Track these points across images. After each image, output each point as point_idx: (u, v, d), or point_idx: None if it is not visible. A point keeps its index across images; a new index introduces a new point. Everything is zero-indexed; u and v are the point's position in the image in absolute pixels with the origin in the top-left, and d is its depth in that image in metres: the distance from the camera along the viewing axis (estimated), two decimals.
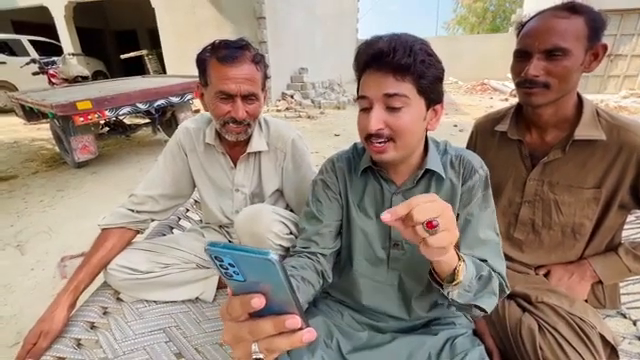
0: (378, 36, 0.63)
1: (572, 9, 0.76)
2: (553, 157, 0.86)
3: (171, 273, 1.05)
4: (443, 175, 0.70)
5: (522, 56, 0.82)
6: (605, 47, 0.78)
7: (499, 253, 0.68)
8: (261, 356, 0.33)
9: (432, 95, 0.63)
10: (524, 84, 0.81)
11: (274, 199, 1.14)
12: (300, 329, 0.33)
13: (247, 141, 1.04)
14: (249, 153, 1.05)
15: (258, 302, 0.31)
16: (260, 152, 1.07)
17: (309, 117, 6.03)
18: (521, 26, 0.84)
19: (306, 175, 1.08)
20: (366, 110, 0.64)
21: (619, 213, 0.86)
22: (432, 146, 0.73)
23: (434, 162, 0.70)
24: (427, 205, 0.43)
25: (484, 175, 0.71)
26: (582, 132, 0.81)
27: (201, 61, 0.93)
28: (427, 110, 0.65)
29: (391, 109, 0.61)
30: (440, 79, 0.64)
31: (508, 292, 0.65)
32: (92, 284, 0.97)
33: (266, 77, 1.00)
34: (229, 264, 0.31)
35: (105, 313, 0.99)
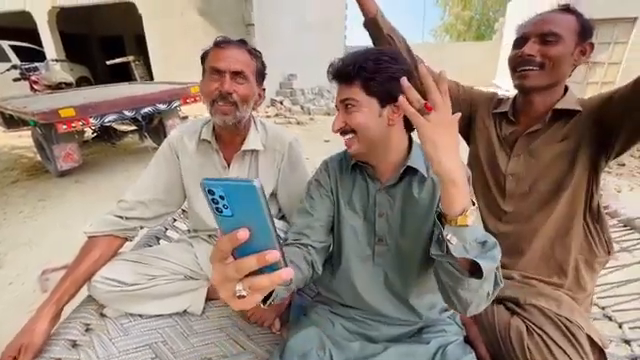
0: (342, 57, 0.72)
1: (565, 10, 0.88)
2: (535, 128, 0.92)
3: (158, 285, 1.02)
4: (425, 174, 0.73)
5: (519, 43, 0.90)
6: (592, 45, 0.87)
7: None
8: (244, 293, 0.37)
9: (384, 95, 0.68)
10: (520, 66, 0.88)
11: None
12: (279, 268, 0.36)
13: (242, 140, 1.04)
14: (244, 151, 1.05)
15: (243, 234, 0.35)
16: (257, 152, 1.07)
17: (298, 123, 6.03)
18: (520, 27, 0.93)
19: (301, 178, 1.09)
20: None
21: (584, 173, 0.88)
22: (416, 147, 0.76)
23: (416, 161, 0.73)
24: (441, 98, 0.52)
25: (467, 176, 0.72)
26: (562, 105, 0.88)
27: (204, 55, 0.97)
28: (382, 108, 0.69)
29: (347, 111, 0.71)
30: (394, 78, 0.65)
31: (502, 285, 0.62)
32: (75, 298, 0.93)
33: (262, 74, 1.02)
34: (219, 196, 0.34)
35: (87, 330, 0.95)
